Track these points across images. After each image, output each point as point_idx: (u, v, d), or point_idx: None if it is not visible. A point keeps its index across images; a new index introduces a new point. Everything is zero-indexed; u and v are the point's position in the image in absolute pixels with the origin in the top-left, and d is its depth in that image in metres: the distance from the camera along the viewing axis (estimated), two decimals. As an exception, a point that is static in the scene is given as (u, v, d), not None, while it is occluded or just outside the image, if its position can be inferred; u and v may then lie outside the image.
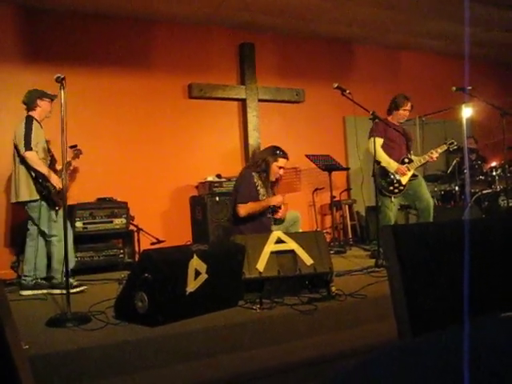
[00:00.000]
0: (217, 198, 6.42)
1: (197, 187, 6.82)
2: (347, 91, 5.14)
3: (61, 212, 4.72)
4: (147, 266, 3.25)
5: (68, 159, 4.94)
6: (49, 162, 4.75)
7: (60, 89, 3.50)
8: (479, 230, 1.48)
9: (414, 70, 8.65)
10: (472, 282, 1.20)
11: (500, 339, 0.68)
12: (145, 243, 6.04)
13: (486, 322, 0.76)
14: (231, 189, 6.49)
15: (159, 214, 6.66)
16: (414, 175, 5.66)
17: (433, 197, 7.58)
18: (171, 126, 6.76)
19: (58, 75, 3.50)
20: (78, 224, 5.53)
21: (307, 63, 7.77)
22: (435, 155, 5.69)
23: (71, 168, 5.08)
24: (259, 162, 4.88)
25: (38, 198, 4.55)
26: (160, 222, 6.62)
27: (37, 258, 4.71)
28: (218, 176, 6.62)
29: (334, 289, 3.85)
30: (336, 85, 5.14)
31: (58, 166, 4.88)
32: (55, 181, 4.59)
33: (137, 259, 5.47)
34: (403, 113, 5.78)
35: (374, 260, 5.18)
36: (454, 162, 7.70)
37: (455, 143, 5.79)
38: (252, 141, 7.18)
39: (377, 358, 0.68)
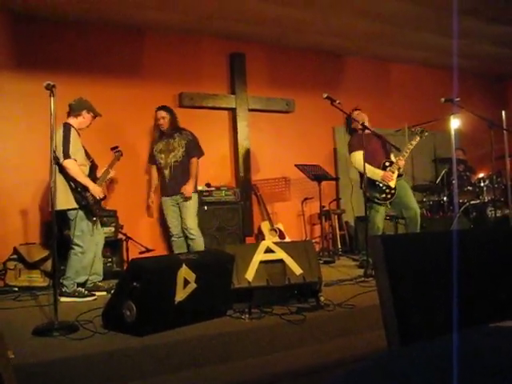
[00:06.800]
0: (205, 207, 6.41)
1: (186, 196, 6.79)
2: (337, 101, 5.17)
3: (98, 226, 4.87)
4: (136, 274, 3.24)
5: (106, 166, 4.97)
6: (89, 168, 4.78)
7: (50, 96, 3.48)
8: (467, 240, 1.49)
9: (403, 81, 8.72)
10: (461, 293, 1.21)
11: (488, 350, 0.69)
12: (133, 252, 6.00)
13: (475, 332, 0.76)
14: (220, 198, 6.54)
15: (148, 222, 6.63)
16: (398, 175, 5.69)
17: (421, 207, 7.64)
18: (161, 134, 6.74)
19: (48, 82, 3.49)
20: (67, 232, 5.49)
21: (297, 74, 7.80)
22: (411, 147, 5.70)
23: (110, 176, 5.08)
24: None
25: (75, 206, 4.58)
26: (149, 231, 6.60)
27: (94, 263, 4.80)
28: (208, 185, 6.61)
29: (322, 299, 3.86)
30: (326, 95, 5.17)
31: (98, 173, 4.90)
32: (95, 191, 4.64)
33: (125, 268, 5.44)
34: (360, 121, 5.64)
35: (362, 270, 5.19)
36: (443, 172, 7.76)
37: (425, 130, 5.78)
38: (242, 150, 7.18)
39: (366, 368, 0.68)
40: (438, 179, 7.82)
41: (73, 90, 5.13)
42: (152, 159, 6.05)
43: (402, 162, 5.64)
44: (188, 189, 5.70)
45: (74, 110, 4.77)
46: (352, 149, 5.77)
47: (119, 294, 3.32)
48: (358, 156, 5.60)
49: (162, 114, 5.87)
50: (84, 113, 4.78)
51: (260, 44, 7.48)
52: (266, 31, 7.06)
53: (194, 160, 5.83)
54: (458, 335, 0.68)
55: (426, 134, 5.74)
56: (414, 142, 5.70)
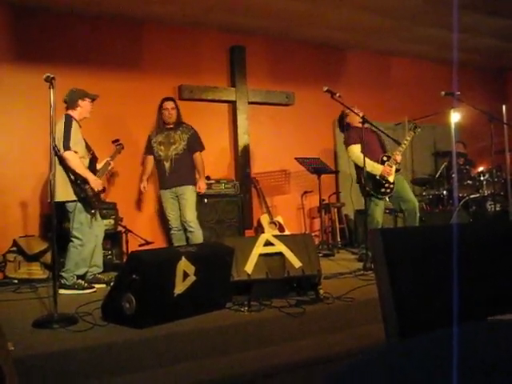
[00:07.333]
0: (205, 200, 6.41)
1: (186, 189, 6.79)
2: (337, 94, 5.16)
3: (98, 218, 4.83)
4: (135, 267, 3.24)
5: (107, 158, 4.96)
6: (89, 160, 4.77)
7: (49, 88, 3.47)
8: (467, 234, 1.49)
9: (403, 75, 8.69)
10: (460, 286, 1.21)
11: (487, 343, 0.69)
12: (133, 244, 6.01)
13: (474, 326, 0.76)
14: (220, 191, 6.55)
15: (147, 215, 6.63)
16: (396, 169, 5.70)
17: (421, 201, 7.64)
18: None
19: (48, 75, 3.48)
20: (67, 225, 5.49)
21: (298, 67, 7.78)
22: (406, 143, 5.71)
23: (110, 168, 5.07)
24: None
25: (74, 199, 4.57)
26: (148, 224, 6.60)
27: (94, 255, 4.78)
28: (207, 178, 6.60)
29: (322, 291, 3.86)
30: (326, 88, 5.15)
31: (99, 165, 4.89)
32: (94, 183, 4.62)
33: (125, 260, 5.44)
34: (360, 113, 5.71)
35: (362, 263, 5.20)
36: (443, 166, 7.75)
37: (418, 125, 5.79)
38: (242, 143, 7.18)
39: (364, 361, 0.68)
40: (438, 173, 7.82)
41: (72, 82, 5.11)
42: (149, 150, 6.00)
43: (398, 157, 5.66)
44: (202, 186, 5.85)
45: (69, 104, 4.75)
46: (350, 141, 5.74)
47: (118, 287, 3.33)
48: (356, 149, 5.60)
49: (172, 104, 5.87)
50: (79, 102, 4.75)
51: (260, 37, 7.46)
52: (266, 24, 7.04)
53: (198, 155, 5.83)
54: (457, 328, 0.68)
55: (419, 129, 5.74)
56: (408, 138, 5.74)
